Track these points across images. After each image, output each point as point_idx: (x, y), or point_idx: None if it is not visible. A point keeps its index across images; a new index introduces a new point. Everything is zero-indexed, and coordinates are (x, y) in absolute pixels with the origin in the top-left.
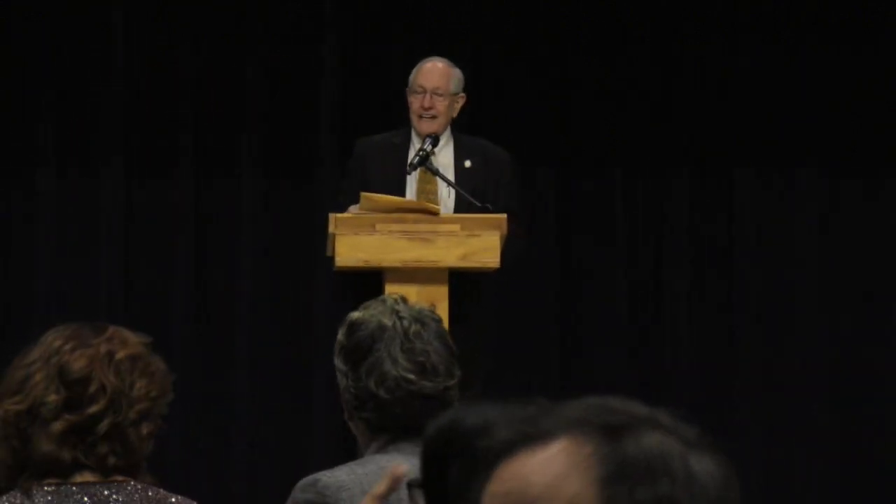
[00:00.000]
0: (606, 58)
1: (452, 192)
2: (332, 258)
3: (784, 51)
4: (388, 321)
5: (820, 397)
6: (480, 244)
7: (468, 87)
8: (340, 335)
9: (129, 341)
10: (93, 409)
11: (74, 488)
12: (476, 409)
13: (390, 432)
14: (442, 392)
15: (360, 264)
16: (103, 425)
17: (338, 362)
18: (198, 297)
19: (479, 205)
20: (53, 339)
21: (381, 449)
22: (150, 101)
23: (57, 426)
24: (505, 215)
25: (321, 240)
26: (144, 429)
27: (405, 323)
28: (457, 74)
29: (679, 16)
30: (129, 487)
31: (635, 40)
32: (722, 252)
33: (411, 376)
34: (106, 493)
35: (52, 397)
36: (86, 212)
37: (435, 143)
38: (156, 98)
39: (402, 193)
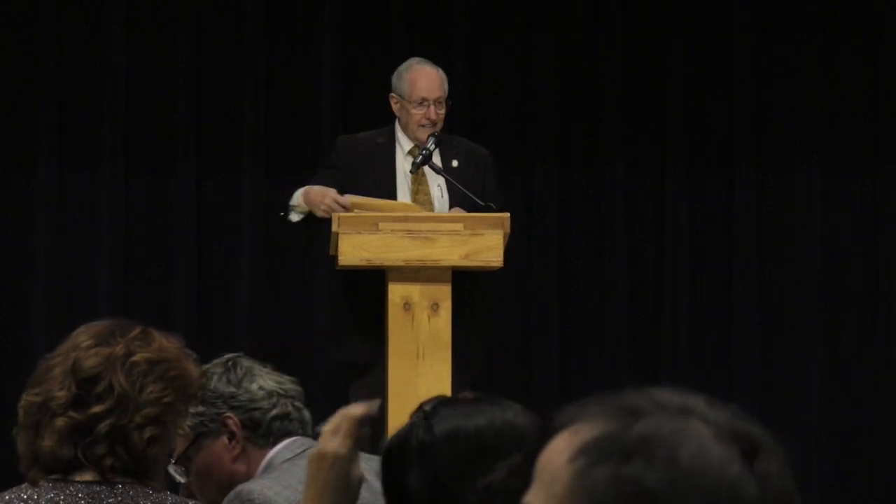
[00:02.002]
0: (607, 57)
1: (445, 191)
2: (335, 257)
3: (784, 50)
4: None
5: (820, 398)
6: (483, 243)
7: (467, 87)
8: (210, 378)
9: (154, 344)
10: (96, 408)
11: (72, 487)
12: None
13: (278, 439)
14: None
15: (363, 263)
16: (103, 426)
17: (204, 405)
18: (198, 296)
19: (482, 204)
20: (80, 333)
21: (283, 457)
22: (150, 99)
23: (59, 422)
24: (507, 214)
25: (323, 238)
26: (148, 433)
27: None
28: (444, 75)
29: (679, 15)
30: (122, 488)
31: (635, 40)
32: (722, 252)
33: (290, 390)
34: (103, 494)
35: (62, 393)
36: (86, 210)
37: (438, 142)
38: (157, 96)
39: (394, 195)
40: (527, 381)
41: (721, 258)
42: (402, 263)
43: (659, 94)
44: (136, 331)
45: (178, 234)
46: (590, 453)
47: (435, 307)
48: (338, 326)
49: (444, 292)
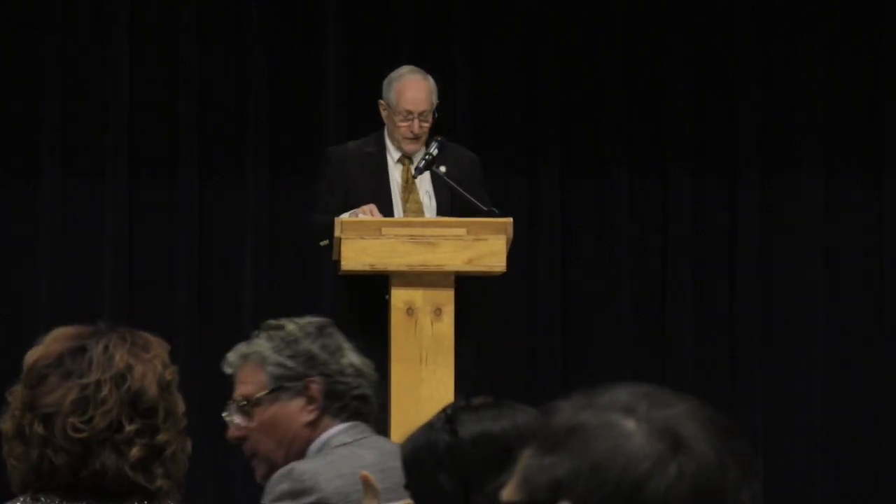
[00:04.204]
0: (607, 57)
1: (434, 199)
2: (337, 262)
3: (785, 50)
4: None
5: (823, 399)
6: (486, 248)
7: (468, 88)
8: (307, 336)
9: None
10: (162, 436)
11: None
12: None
13: (348, 418)
14: None
15: (366, 268)
16: (169, 451)
17: (294, 361)
18: (201, 299)
19: (484, 209)
20: (120, 355)
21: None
22: (153, 100)
23: (136, 452)
24: (511, 219)
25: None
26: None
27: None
28: (433, 86)
29: (680, 16)
30: None
31: (636, 40)
32: (724, 253)
33: (370, 374)
34: None
35: (130, 427)
36: (89, 214)
37: (441, 146)
38: (159, 97)
39: (388, 204)
40: (530, 383)
41: (723, 259)
42: (405, 268)
43: (660, 95)
44: (155, 346)
45: (180, 234)
46: (534, 444)
47: (438, 312)
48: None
49: (446, 297)
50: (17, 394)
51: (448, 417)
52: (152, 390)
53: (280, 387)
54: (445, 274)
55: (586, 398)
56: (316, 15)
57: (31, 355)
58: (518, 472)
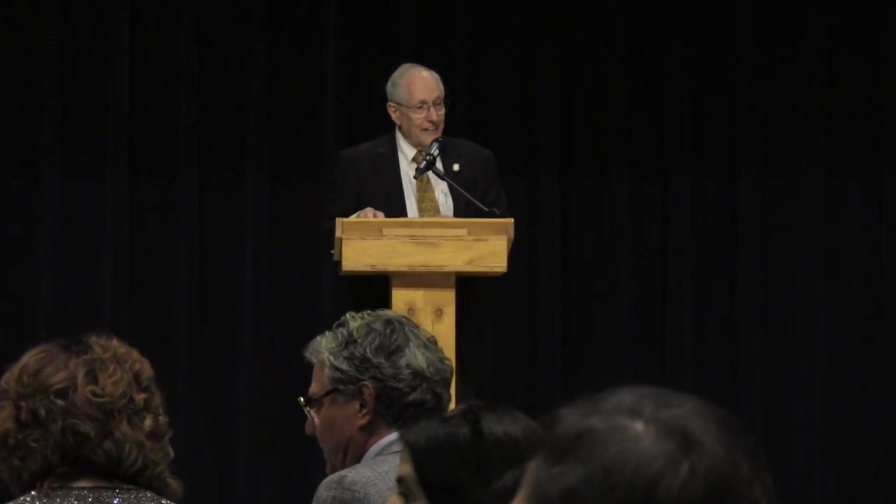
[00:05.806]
0: (608, 58)
1: (450, 197)
2: (338, 262)
3: (785, 51)
4: (402, 326)
5: (823, 400)
6: (487, 248)
7: (469, 88)
8: (367, 335)
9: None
10: (163, 416)
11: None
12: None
13: (406, 423)
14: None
15: (367, 269)
16: (166, 440)
17: (349, 364)
18: (201, 300)
19: (485, 209)
20: (115, 342)
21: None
22: (153, 100)
23: (148, 423)
24: (511, 220)
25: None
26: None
27: (414, 328)
28: (438, 76)
29: (681, 16)
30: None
31: (636, 40)
32: (725, 253)
33: (437, 372)
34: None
35: (139, 396)
36: (89, 214)
37: (442, 147)
38: (160, 99)
39: (402, 204)
40: (531, 383)
41: (723, 259)
42: (405, 269)
43: (660, 95)
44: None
45: (180, 234)
46: (541, 454)
47: (439, 313)
48: None
49: (447, 298)
50: (9, 394)
51: (470, 412)
52: (149, 371)
53: (335, 389)
54: (446, 274)
55: (590, 404)
56: (316, 15)
57: (17, 365)
58: (526, 483)
